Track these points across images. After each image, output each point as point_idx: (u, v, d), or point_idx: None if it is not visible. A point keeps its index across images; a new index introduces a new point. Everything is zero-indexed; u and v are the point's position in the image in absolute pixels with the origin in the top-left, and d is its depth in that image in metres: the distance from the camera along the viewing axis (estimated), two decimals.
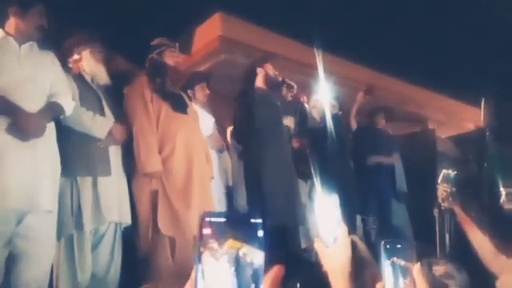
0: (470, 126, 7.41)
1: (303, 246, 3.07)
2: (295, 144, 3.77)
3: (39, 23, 2.25)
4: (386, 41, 5.74)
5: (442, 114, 7.60)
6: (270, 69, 3.31)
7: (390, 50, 5.80)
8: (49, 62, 2.33)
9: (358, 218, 3.93)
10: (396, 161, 4.35)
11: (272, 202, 3.00)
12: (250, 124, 3.14)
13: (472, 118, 7.37)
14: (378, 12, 5.68)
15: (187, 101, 2.91)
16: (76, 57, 2.61)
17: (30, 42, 2.26)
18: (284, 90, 3.33)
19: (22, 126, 2.07)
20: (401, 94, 6.83)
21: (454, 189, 2.41)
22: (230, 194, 3.63)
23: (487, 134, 4.71)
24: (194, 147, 2.76)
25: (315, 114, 3.89)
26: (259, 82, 3.33)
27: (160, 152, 2.66)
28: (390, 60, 5.93)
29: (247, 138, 3.19)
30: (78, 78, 2.55)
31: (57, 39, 2.65)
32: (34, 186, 2.09)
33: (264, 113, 3.17)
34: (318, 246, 1.04)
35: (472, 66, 6.09)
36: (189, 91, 3.26)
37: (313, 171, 3.33)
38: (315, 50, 3.93)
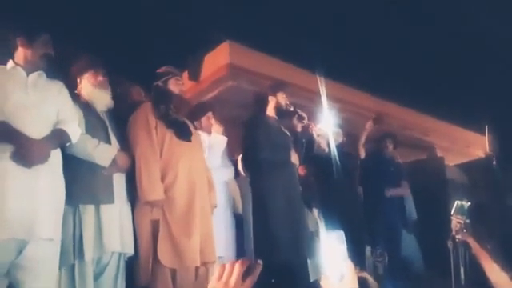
0: (476, 153, 7.39)
1: (312, 279, 3.01)
2: (301, 172, 3.75)
3: (45, 52, 2.28)
4: (390, 68, 5.80)
5: (447, 141, 7.59)
6: (282, 98, 3.31)
7: (394, 77, 5.85)
8: (56, 90, 2.34)
9: (367, 248, 3.86)
10: (408, 191, 4.31)
11: (279, 234, 2.95)
12: (259, 152, 3.13)
13: (477, 144, 7.36)
14: (382, 40, 5.77)
15: (192, 128, 2.89)
16: (80, 86, 2.63)
17: (39, 72, 2.28)
18: (295, 120, 3.34)
19: (24, 152, 2.05)
20: (405, 120, 6.85)
21: (467, 220, 2.37)
22: (239, 222, 3.60)
23: (494, 161, 4.69)
24: (197, 175, 2.73)
25: (321, 143, 3.88)
26: (270, 111, 3.34)
27: (162, 180, 2.61)
28: (394, 87, 5.98)
29: (255, 166, 3.17)
30: (85, 106, 2.56)
31: (66, 68, 2.68)
32: (35, 215, 2.05)
33: (273, 141, 3.16)
34: (324, 284, 1.02)
35: (476, 92, 6.13)
36: (195, 123, 3.24)
37: (317, 202, 3.29)
38: (318, 77, 3.96)
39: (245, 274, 0.85)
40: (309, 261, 3.02)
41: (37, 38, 2.27)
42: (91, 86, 2.60)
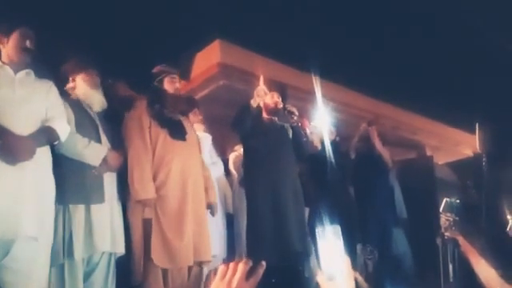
0: (465, 152, 7.47)
1: (306, 275, 3.03)
2: None
3: (23, 45, 2.25)
4: (380, 67, 5.83)
5: (436, 140, 7.66)
6: (268, 98, 3.33)
7: (383, 76, 5.88)
8: (45, 89, 2.32)
9: (358, 246, 3.88)
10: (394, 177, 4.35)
11: (274, 232, 2.96)
12: (254, 153, 3.16)
13: (466, 143, 7.44)
14: (372, 39, 5.80)
15: (187, 127, 2.88)
16: (71, 83, 2.61)
17: (27, 70, 2.27)
18: (287, 116, 3.35)
19: (8, 148, 2.02)
20: (394, 119, 6.90)
21: (456, 218, 2.40)
22: (229, 221, 3.60)
23: (484, 159, 4.74)
24: (191, 174, 2.72)
25: (314, 140, 3.90)
26: (264, 113, 3.37)
27: (154, 179, 2.61)
28: (383, 85, 6.01)
29: (252, 166, 3.20)
30: (75, 105, 2.54)
31: (56, 66, 2.65)
32: (19, 213, 2.02)
33: (266, 141, 3.19)
34: (320, 280, 1.02)
35: (465, 91, 6.19)
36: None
37: (312, 198, 3.30)
38: (312, 76, 3.97)
39: (248, 274, 0.84)
40: (305, 257, 3.01)
41: (13, 33, 2.24)
42: (87, 87, 2.59)
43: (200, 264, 2.71)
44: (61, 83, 2.54)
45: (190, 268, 2.65)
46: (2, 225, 1.99)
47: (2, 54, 2.28)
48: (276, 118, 3.32)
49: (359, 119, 4.65)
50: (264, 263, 0.87)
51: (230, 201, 3.72)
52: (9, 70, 2.23)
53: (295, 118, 3.26)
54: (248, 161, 3.28)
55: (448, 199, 2.44)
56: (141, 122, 2.66)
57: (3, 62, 2.25)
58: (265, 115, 3.36)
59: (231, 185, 3.78)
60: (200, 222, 2.71)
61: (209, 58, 5.23)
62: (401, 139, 6.88)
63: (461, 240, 2.29)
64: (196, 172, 2.78)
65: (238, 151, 3.83)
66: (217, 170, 3.57)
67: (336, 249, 1.00)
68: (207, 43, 5.21)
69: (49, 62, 2.52)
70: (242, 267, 0.85)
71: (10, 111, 2.11)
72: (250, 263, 0.86)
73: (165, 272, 2.56)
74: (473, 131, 5.54)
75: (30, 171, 2.10)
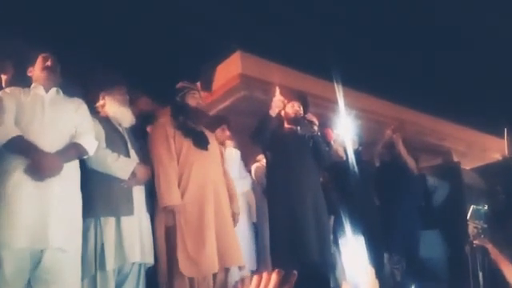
0: (493, 157, 7.26)
1: (332, 285, 3.01)
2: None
3: (44, 65, 2.42)
4: (405, 73, 5.77)
5: (463, 145, 7.48)
6: (289, 107, 3.35)
7: (409, 83, 5.82)
8: (74, 107, 2.44)
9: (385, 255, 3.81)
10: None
11: (298, 241, 2.96)
12: (275, 163, 3.18)
13: (494, 148, 7.23)
14: (397, 45, 5.75)
15: (209, 138, 2.94)
16: (101, 101, 2.74)
17: (56, 88, 2.41)
18: (307, 126, 3.36)
19: (36, 165, 2.13)
20: (420, 125, 6.78)
21: (485, 225, 2.34)
22: (257, 229, 3.62)
23: None
24: (212, 183, 2.77)
25: (338, 150, 3.88)
26: (285, 123, 3.40)
27: (178, 186, 2.68)
28: (409, 92, 5.93)
29: (273, 176, 3.21)
30: (105, 121, 2.65)
31: (84, 85, 2.78)
32: (44, 224, 2.11)
33: (287, 151, 3.21)
34: None
35: (493, 96, 6.05)
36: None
37: (336, 207, 3.28)
38: (335, 83, 3.97)
39: (281, 284, 0.85)
40: (327, 267, 2.98)
41: (37, 58, 2.43)
42: (117, 104, 2.70)
43: (226, 270, 2.74)
44: (91, 101, 2.66)
45: (215, 275, 2.68)
46: (31, 235, 2.08)
47: (33, 78, 2.45)
48: (298, 128, 3.33)
49: (383, 126, 4.59)
50: (296, 272, 0.88)
51: (254, 211, 3.74)
52: (41, 88, 2.38)
53: (315, 127, 3.26)
54: (270, 171, 3.30)
55: (475, 206, 2.38)
56: (165, 131, 2.76)
57: (37, 83, 2.41)
58: (286, 125, 3.39)
59: (255, 195, 3.80)
60: (224, 228, 2.74)
61: (230, 69, 5.30)
62: (427, 145, 6.75)
63: (490, 248, 2.23)
64: (217, 181, 2.83)
65: (261, 162, 3.86)
66: (246, 185, 3.65)
67: (361, 259, 1.00)
68: (228, 55, 5.30)
69: (78, 82, 2.65)
70: (275, 277, 0.85)
71: (38, 130, 2.23)
72: (282, 273, 0.87)
73: (191, 280, 2.60)
74: (501, 136, 5.39)
75: (58, 185, 2.20)
